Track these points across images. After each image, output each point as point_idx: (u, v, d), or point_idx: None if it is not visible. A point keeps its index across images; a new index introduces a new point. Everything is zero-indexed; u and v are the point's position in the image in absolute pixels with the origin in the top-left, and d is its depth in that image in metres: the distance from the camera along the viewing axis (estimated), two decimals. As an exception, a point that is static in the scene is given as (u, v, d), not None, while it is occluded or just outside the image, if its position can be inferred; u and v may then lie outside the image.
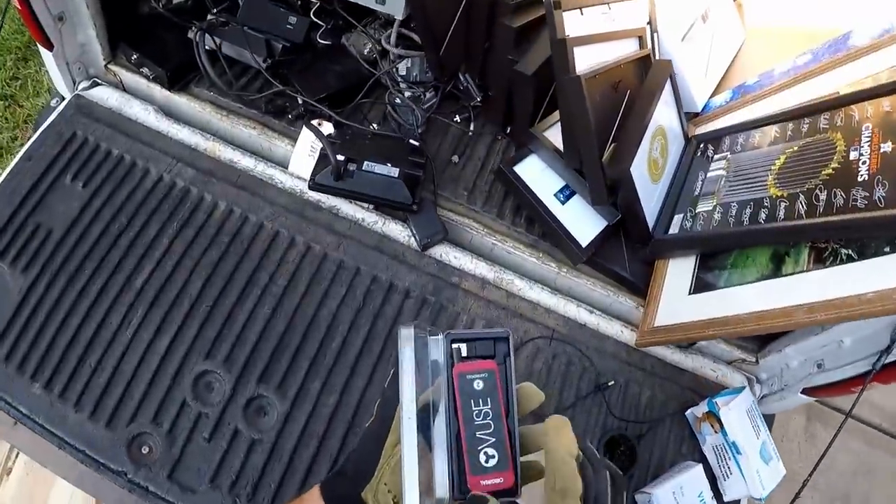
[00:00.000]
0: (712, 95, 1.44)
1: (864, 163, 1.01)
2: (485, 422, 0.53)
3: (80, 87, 1.30)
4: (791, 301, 1.01)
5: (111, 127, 1.25)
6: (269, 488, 1.01)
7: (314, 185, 1.13)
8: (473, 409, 0.53)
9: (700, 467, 1.13)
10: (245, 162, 1.22)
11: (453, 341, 0.52)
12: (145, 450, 1.01)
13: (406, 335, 0.51)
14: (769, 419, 1.21)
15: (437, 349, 0.54)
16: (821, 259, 1.02)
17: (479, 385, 0.53)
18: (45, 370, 1.06)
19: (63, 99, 1.30)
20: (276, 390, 1.06)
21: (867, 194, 0.96)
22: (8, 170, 1.20)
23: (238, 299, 1.11)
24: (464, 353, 0.53)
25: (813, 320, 0.96)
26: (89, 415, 1.03)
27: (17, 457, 1.71)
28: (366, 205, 1.19)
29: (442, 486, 0.52)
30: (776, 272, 1.07)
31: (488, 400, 0.53)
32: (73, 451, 1.03)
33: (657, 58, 1.31)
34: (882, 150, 1.01)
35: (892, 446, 2.63)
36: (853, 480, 2.49)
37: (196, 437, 1.03)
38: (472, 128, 1.28)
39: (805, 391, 1.18)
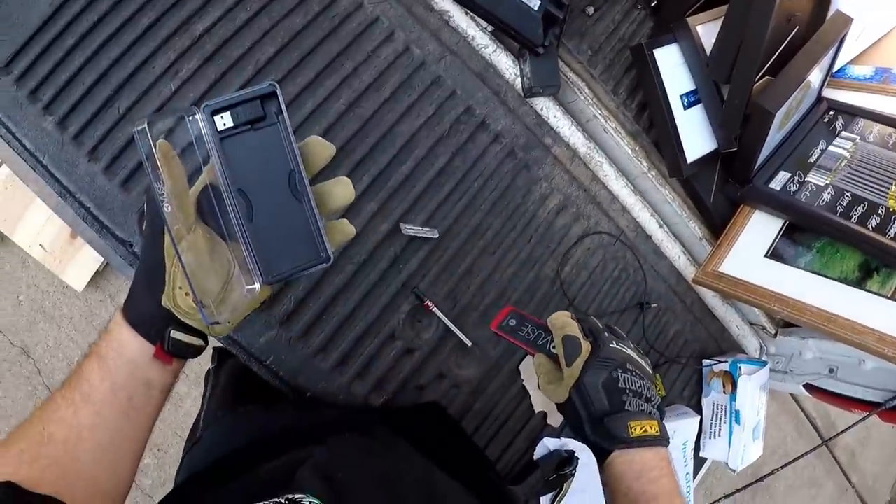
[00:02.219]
0: (852, 61, 1.29)
1: None
2: (273, 191, 0.50)
3: None
4: (865, 320, 0.96)
5: None
6: (289, 303, 0.90)
7: (438, -20, 0.93)
8: (258, 180, 0.50)
9: (698, 420, 1.13)
10: (362, -79, 0.99)
11: (213, 112, 0.48)
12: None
13: (139, 133, 0.47)
14: None
15: (199, 126, 0.49)
16: None
17: (255, 151, 0.50)
18: (63, 104, 0.86)
19: None
20: None
21: None
22: None
23: (311, 82, 0.94)
24: (230, 124, 0.49)
25: (880, 351, 0.92)
26: (104, 168, 0.86)
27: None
28: (482, 23, 1.00)
29: (249, 277, 0.51)
30: (860, 283, 1.02)
31: (270, 166, 0.50)
32: (76, 205, 0.87)
33: (835, 5, 1.14)
34: None
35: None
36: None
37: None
38: (618, -16, 1.09)
39: (807, 386, 1.17)
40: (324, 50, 0.95)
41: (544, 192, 1.03)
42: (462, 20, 1.02)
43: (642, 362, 0.69)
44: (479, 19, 1.02)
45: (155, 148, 0.47)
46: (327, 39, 0.95)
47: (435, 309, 0.94)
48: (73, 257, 1.70)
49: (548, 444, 1.04)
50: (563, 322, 0.68)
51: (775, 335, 1.23)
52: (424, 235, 0.94)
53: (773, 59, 1.04)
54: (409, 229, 0.94)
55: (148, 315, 0.53)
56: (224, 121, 0.49)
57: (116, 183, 0.86)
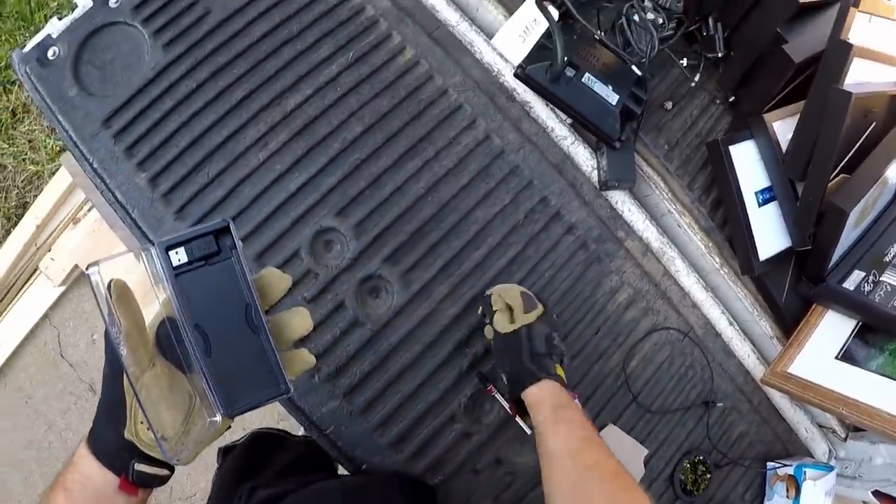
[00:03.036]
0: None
1: None
2: (230, 325, 0.51)
3: None
4: None
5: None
6: (354, 376, 0.92)
7: (523, 76, 0.98)
8: (215, 314, 0.50)
9: None
10: (448, 14, 1.06)
11: (168, 248, 0.49)
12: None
13: (92, 274, 0.48)
14: None
15: (155, 262, 0.50)
16: None
17: (210, 285, 0.50)
18: (157, 163, 0.93)
19: None
20: (400, 277, 0.96)
21: None
22: None
23: (394, 163, 0.98)
24: (184, 259, 0.49)
25: None
26: (191, 225, 0.91)
27: (89, 210, 1.61)
28: (561, 115, 1.02)
29: (210, 409, 0.51)
30: None
31: (227, 300, 0.51)
32: (132, 225, 0.93)
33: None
34: None
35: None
36: None
37: (298, 293, 0.93)
38: (696, 79, 1.10)
39: (876, 493, 1.10)
40: (408, 133, 0.99)
41: (615, 286, 1.02)
42: (542, 111, 1.04)
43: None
44: (558, 111, 1.03)
45: (109, 289, 0.48)
46: (412, 123, 0.99)
47: (497, 395, 0.94)
48: (151, 303, 1.73)
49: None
50: (519, 289, 0.90)
51: (845, 439, 1.18)
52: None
53: (849, 156, 1.02)
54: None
55: (112, 447, 0.53)
56: (178, 256, 0.50)
57: None
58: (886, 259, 1.10)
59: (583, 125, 1.01)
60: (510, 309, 0.86)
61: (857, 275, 1.09)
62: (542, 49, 0.99)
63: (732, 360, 1.10)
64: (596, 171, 1.04)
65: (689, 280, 1.08)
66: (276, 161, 0.95)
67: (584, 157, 1.05)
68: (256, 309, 0.51)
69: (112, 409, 0.52)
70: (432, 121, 0.99)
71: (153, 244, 0.50)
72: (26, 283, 1.79)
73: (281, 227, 0.93)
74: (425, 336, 0.93)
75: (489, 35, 1.06)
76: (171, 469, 0.56)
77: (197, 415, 0.51)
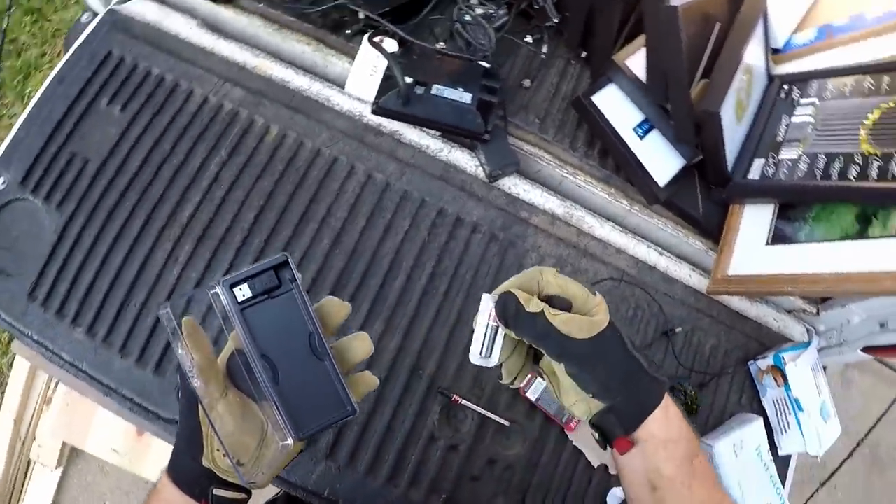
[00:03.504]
0: (794, 32, 1.29)
1: None
2: (296, 353, 0.54)
3: (114, 0, 1.17)
4: (878, 266, 0.95)
5: (150, 44, 1.13)
6: (328, 435, 0.96)
7: (379, 110, 1.02)
8: (281, 344, 0.54)
9: (760, 421, 1.09)
10: (299, 81, 1.11)
11: (232, 286, 0.52)
12: (197, 395, 0.93)
13: (163, 316, 0.52)
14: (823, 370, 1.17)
15: (221, 300, 0.53)
16: None
17: (275, 317, 0.54)
18: (87, 314, 0.98)
19: (95, 14, 1.17)
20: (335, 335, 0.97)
21: None
22: (38, 95, 1.09)
23: (294, 233, 1.03)
24: (248, 294, 0.52)
25: None
26: (136, 360, 0.97)
27: (56, 386, 1.66)
28: (430, 131, 1.07)
29: (281, 434, 0.53)
30: (862, 233, 1.00)
31: (291, 330, 0.54)
32: (121, 399, 0.97)
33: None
34: None
35: (929, 400, 2.59)
36: (884, 429, 2.47)
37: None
38: (544, 50, 1.16)
39: (866, 349, 1.13)
40: (297, 202, 1.04)
41: (535, 262, 1.06)
42: (412, 134, 1.10)
43: None
44: (426, 129, 1.08)
45: (180, 326, 0.53)
46: (297, 192, 1.04)
47: (464, 401, 0.98)
48: (146, 451, 1.76)
49: (618, 494, 1.03)
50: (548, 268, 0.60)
51: (817, 313, 1.20)
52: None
53: (704, 61, 1.06)
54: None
55: (191, 475, 0.56)
56: (243, 292, 0.53)
57: (150, 371, 0.96)
58: (779, 139, 1.14)
59: (450, 132, 1.06)
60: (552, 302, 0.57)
61: (758, 163, 1.13)
62: (388, 80, 1.04)
63: (675, 284, 1.13)
64: (480, 168, 1.08)
65: (604, 230, 1.12)
66: (190, 271, 1.00)
67: (464, 160, 1.09)
68: (320, 336, 0.54)
69: (190, 438, 0.56)
70: (315, 182, 1.05)
71: (219, 283, 0.53)
72: (25, 477, 1.82)
73: (215, 327, 0.97)
74: (379, 374, 0.97)
75: (343, 85, 1.11)
76: (248, 493, 0.60)
77: (269, 439, 0.54)
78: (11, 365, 1.84)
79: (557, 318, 0.53)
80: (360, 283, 1.01)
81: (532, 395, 0.99)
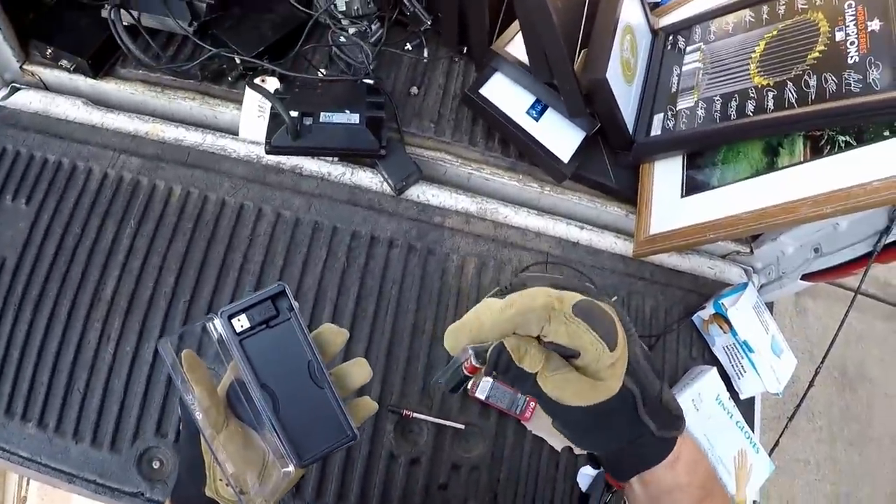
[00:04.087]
0: (670, -18, 1.31)
1: (852, 43, 0.94)
2: (295, 381, 0.54)
3: None
4: (792, 195, 0.95)
5: (41, 132, 1.12)
6: None
7: (272, 149, 1.03)
8: (280, 372, 0.54)
9: (714, 370, 1.10)
10: (192, 137, 1.11)
11: (230, 317, 0.52)
12: (156, 464, 0.95)
13: (162, 348, 0.53)
14: (769, 307, 1.19)
15: (220, 331, 0.53)
16: (818, 149, 0.97)
17: (273, 346, 0.54)
18: (34, 408, 0.97)
19: (-18, 114, 1.16)
20: None
21: (860, 77, 0.90)
22: None
23: (216, 287, 1.03)
24: (247, 325, 0.53)
25: (819, 214, 0.91)
26: (90, 442, 0.96)
27: (28, 484, 1.64)
28: (329, 158, 1.08)
29: (283, 461, 0.54)
30: (771, 166, 1.01)
31: (289, 358, 0.54)
32: (84, 483, 0.96)
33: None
34: (870, 29, 0.93)
35: (881, 311, 2.65)
36: (846, 349, 2.52)
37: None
38: (426, 54, 1.17)
39: (805, 276, 1.14)
40: (212, 255, 1.04)
41: (458, 264, 1.07)
42: (312, 165, 1.10)
43: None
44: (323, 157, 1.09)
45: (181, 359, 0.53)
46: (211, 245, 1.04)
47: (415, 414, 0.98)
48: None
49: (587, 473, 1.04)
50: (563, 296, 0.43)
51: (751, 251, 1.22)
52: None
53: (581, 32, 1.07)
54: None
55: (193, 501, 0.56)
56: (241, 323, 0.53)
57: (106, 450, 0.95)
58: (673, 90, 1.16)
59: (347, 155, 1.07)
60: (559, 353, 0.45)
61: (658, 118, 1.15)
62: (276, 117, 1.04)
63: (602, 255, 1.14)
64: (384, 183, 1.09)
65: (520, 218, 1.12)
66: (125, 345, 0.99)
67: (368, 179, 1.10)
68: (319, 364, 0.54)
69: (192, 468, 0.56)
70: (226, 232, 1.04)
71: (217, 314, 0.53)
72: None
73: (160, 394, 0.96)
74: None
75: (236, 132, 1.12)
76: None
77: (272, 467, 0.55)
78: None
79: (549, 382, 0.43)
80: (288, 322, 1.01)
81: (481, 394, 1.00)
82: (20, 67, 1.17)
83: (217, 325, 0.54)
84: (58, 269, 1.03)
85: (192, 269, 1.03)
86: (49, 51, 1.14)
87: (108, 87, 1.16)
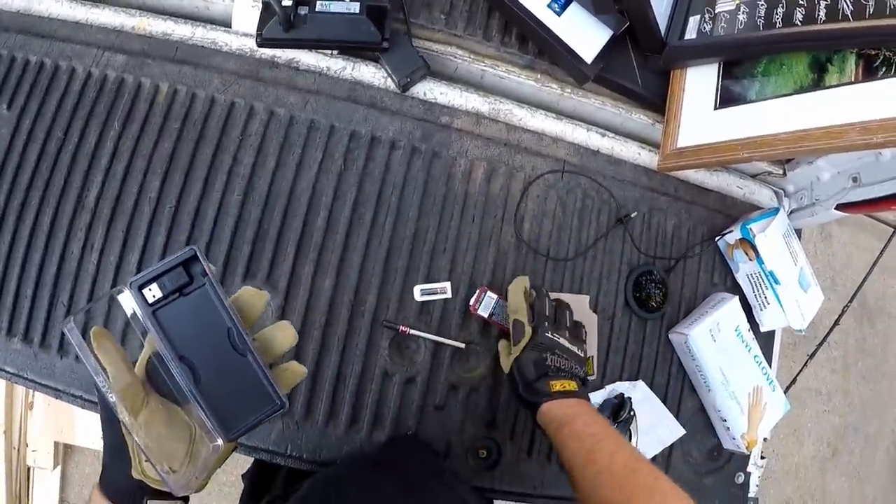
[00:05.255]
0: None
1: None
2: (215, 351, 0.51)
3: (-21, 0, 1.08)
4: (839, 119, 0.86)
5: (22, 32, 1.03)
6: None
7: (263, 42, 0.94)
8: (198, 343, 0.51)
9: (736, 300, 1.01)
10: (181, 31, 1.02)
11: (140, 287, 0.49)
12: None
13: (68, 330, 0.49)
14: (797, 234, 1.09)
15: (132, 302, 0.50)
16: (871, 69, 0.86)
17: (189, 315, 0.50)
18: (19, 322, 0.93)
19: (-40, 16, 1.08)
20: (265, 284, 0.93)
21: None
22: None
23: (203, 191, 0.96)
24: (159, 294, 0.49)
25: (868, 143, 0.82)
26: (76, 357, 0.92)
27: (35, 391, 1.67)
28: (329, 51, 0.98)
29: (210, 435, 0.52)
30: (818, 84, 0.91)
31: (207, 327, 0.51)
32: (71, 399, 0.92)
33: None
34: None
35: (908, 244, 2.54)
36: (869, 280, 2.42)
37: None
38: (437, -58, 1.04)
39: (839, 206, 1.04)
40: (201, 157, 0.96)
41: (465, 169, 0.98)
42: (310, 59, 1.00)
43: (573, 349, 0.84)
44: (321, 50, 0.99)
45: (88, 338, 0.49)
46: (199, 147, 0.96)
47: (412, 331, 0.91)
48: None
49: (594, 399, 0.98)
50: (515, 306, 0.86)
51: (784, 174, 1.11)
52: (440, 296, 0.94)
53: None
54: (425, 292, 0.94)
55: (123, 488, 0.54)
56: (153, 293, 0.50)
57: None
58: (711, -11, 1.04)
59: (346, 48, 0.97)
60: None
61: (694, 20, 1.03)
62: (268, 7, 0.94)
63: (624, 166, 1.04)
64: (389, 80, 0.99)
65: (536, 121, 1.02)
66: (109, 255, 0.93)
67: (370, 74, 1.00)
68: (239, 331, 0.51)
69: (115, 451, 0.54)
70: (215, 131, 0.96)
71: (126, 286, 0.50)
72: (29, 485, 1.84)
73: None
74: (318, 318, 0.91)
75: (229, 24, 1.02)
76: (186, 500, 0.58)
77: (200, 443, 0.52)
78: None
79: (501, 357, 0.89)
80: (280, 227, 0.93)
81: (484, 311, 0.92)
82: (-3, -37, 1.08)
83: (127, 298, 0.49)
84: (40, 177, 0.97)
85: (179, 173, 0.95)
86: (26, -59, 1.05)
87: (94, -22, 1.07)
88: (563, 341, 0.84)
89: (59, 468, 1.86)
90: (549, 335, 0.82)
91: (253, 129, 0.97)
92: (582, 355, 0.86)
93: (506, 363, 0.84)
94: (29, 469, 1.83)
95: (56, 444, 1.82)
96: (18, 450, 1.78)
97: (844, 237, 2.52)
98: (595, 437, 0.69)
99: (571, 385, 0.78)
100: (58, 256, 0.94)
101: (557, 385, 0.77)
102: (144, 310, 0.49)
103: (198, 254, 0.50)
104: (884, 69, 0.84)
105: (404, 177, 0.96)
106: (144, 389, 0.51)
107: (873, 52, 0.86)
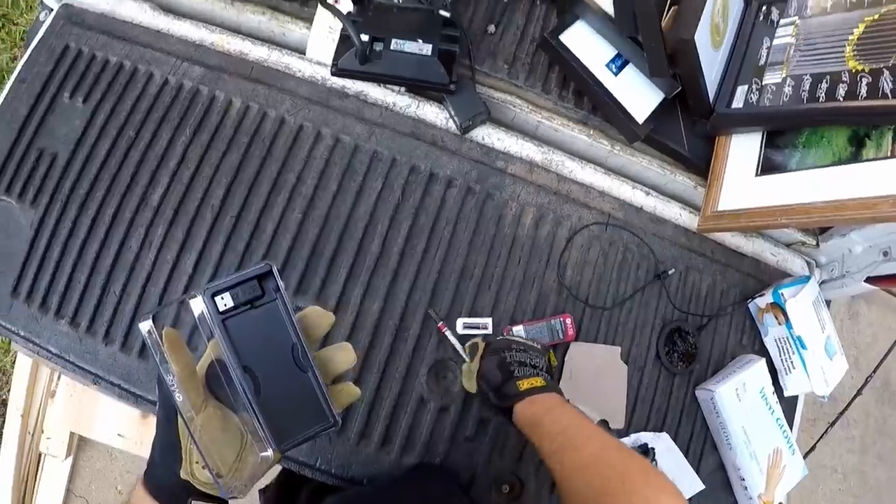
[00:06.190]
0: (769, -51, 1.24)
1: None
2: (277, 364, 0.52)
3: (68, -6, 1.15)
4: (874, 191, 0.90)
5: (105, 33, 1.10)
6: None
7: (338, 71, 1.00)
8: (262, 355, 0.52)
9: (763, 362, 1.06)
10: (257, 52, 1.08)
11: (213, 295, 0.50)
12: (181, 377, 0.92)
13: (144, 327, 0.50)
14: (827, 305, 1.13)
15: (202, 307, 0.51)
16: None
17: (257, 327, 0.52)
18: (69, 305, 0.98)
19: (51, 10, 1.15)
20: (316, 301, 0.98)
21: None
22: (2, 98, 1.08)
23: (265, 205, 1.01)
24: (230, 304, 0.51)
25: None
26: (120, 346, 0.96)
27: (59, 378, 1.69)
28: (397, 87, 1.05)
29: (262, 445, 0.53)
30: (856, 156, 0.96)
31: (273, 340, 0.52)
32: (109, 386, 0.97)
33: None
34: None
35: (935, 326, 2.55)
36: (892, 360, 2.43)
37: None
38: (508, -8, 1.11)
39: (869, 279, 1.09)
40: (266, 173, 1.02)
41: (516, 213, 1.03)
42: (377, 93, 1.06)
43: (527, 342, 0.86)
44: (391, 86, 1.06)
45: (162, 337, 0.51)
46: (266, 163, 1.02)
47: (447, 331, 0.97)
48: (151, 433, 1.75)
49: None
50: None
51: (817, 244, 1.16)
52: (482, 332, 0.99)
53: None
54: (468, 325, 0.99)
55: (168, 486, 0.56)
56: (225, 301, 0.51)
57: (134, 356, 0.96)
58: (761, 63, 1.10)
59: (415, 87, 1.03)
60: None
61: (742, 90, 1.09)
62: (346, 40, 1.01)
63: (665, 225, 1.10)
64: (451, 121, 1.05)
65: (585, 174, 1.08)
66: (166, 254, 0.99)
67: (433, 114, 1.06)
68: (303, 348, 0.53)
69: (167, 450, 0.55)
70: (282, 151, 1.02)
71: (200, 291, 0.51)
72: (38, 470, 1.86)
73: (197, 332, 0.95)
74: (362, 338, 0.96)
75: (303, 51, 1.09)
76: (226, 502, 0.59)
77: (249, 451, 0.54)
78: (14, 363, 1.88)
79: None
80: (336, 249, 0.98)
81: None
82: (90, -36, 1.15)
83: (198, 303, 0.51)
84: (107, 171, 1.03)
85: (243, 185, 1.01)
86: (122, -49, 1.12)
87: (178, -7, 1.15)
88: (515, 338, 0.87)
89: (70, 458, 1.88)
90: (502, 336, 0.89)
91: (318, 153, 1.03)
92: (539, 347, 0.87)
93: (470, 382, 0.87)
94: (41, 455, 1.85)
95: (71, 434, 1.84)
96: (33, 435, 1.80)
97: (872, 316, 2.53)
98: (565, 434, 0.69)
99: (539, 381, 0.79)
100: (116, 248, 0.99)
101: (525, 384, 0.78)
102: (215, 317, 0.51)
103: (273, 269, 0.52)
104: (920, 144, 0.90)
105: (458, 214, 1.02)
106: (204, 393, 0.54)
107: (911, 128, 0.92)
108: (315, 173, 1.01)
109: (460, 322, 0.98)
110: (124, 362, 0.96)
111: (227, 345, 0.51)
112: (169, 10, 1.13)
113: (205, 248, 0.99)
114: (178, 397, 0.51)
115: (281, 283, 0.53)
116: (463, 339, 0.97)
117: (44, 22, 1.14)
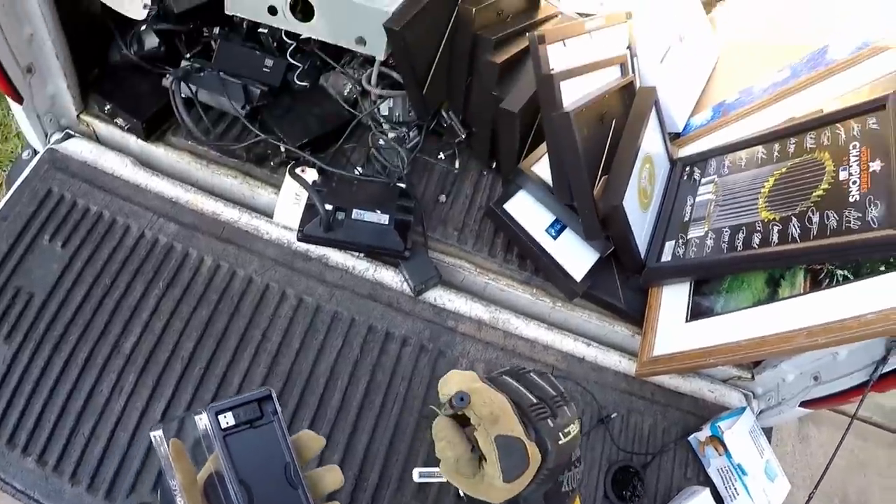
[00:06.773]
0: (692, 115, 1.41)
1: (854, 182, 1.01)
2: (271, 480, 0.54)
3: (53, 139, 1.25)
4: (790, 325, 1.00)
5: (87, 182, 1.20)
6: None
7: (303, 237, 1.10)
8: (258, 470, 0.55)
9: (707, 491, 1.13)
10: (229, 213, 1.18)
11: (217, 413, 0.54)
12: (148, 520, 0.97)
13: (154, 435, 0.52)
14: (768, 432, 1.23)
15: (206, 423, 0.55)
16: (817, 281, 1.03)
17: (254, 445, 0.55)
18: (37, 443, 1.01)
19: (35, 152, 1.25)
20: None
21: (860, 215, 0.96)
22: None
23: (232, 359, 1.09)
24: (232, 422, 0.54)
25: (813, 344, 0.96)
26: (87, 487, 0.99)
27: None
28: (357, 252, 1.15)
29: None
30: (773, 296, 1.07)
31: (268, 458, 0.55)
32: None
33: (639, 83, 1.28)
34: (871, 169, 1.01)
35: (884, 439, 2.65)
36: (849, 476, 2.51)
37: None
38: (457, 165, 1.27)
39: (803, 403, 1.18)
40: (233, 329, 1.10)
41: (466, 368, 1.13)
42: (338, 257, 1.17)
43: (578, 440, 0.56)
44: (351, 252, 1.17)
45: (168, 446, 0.55)
46: (233, 319, 1.11)
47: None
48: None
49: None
50: (487, 409, 0.50)
51: (752, 377, 1.27)
52: (437, 479, 1.02)
53: (603, 158, 1.15)
54: (424, 475, 1.03)
55: None
56: (227, 420, 0.55)
57: (101, 497, 0.98)
58: (686, 219, 1.23)
59: (373, 253, 1.14)
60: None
61: (669, 245, 1.22)
62: (311, 208, 1.12)
63: (606, 372, 1.20)
64: (405, 283, 1.16)
65: (530, 330, 1.19)
66: (136, 400, 1.04)
67: (389, 277, 1.17)
68: (295, 467, 0.56)
69: None
70: (249, 309, 1.11)
71: (205, 409, 0.55)
72: None
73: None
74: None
75: (271, 214, 1.20)
76: None
77: None
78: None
79: (458, 479, 0.55)
80: (298, 403, 1.06)
81: None
82: (77, 116, 1.26)
83: (203, 419, 0.57)
84: (82, 316, 1.09)
85: (212, 339, 1.09)
86: (107, 107, 1.23)
87: (157, 151, 1.25)
88: (575, 430, 0.54)
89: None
90: (564, 441, 0.52)
91: (283, 312, 1.12)
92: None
93: (483, 491, 0.53)
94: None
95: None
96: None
97: (822, 438, 2.59)
98: None
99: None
100: (87, 391, 1.03)
101: None
102: (217, 433, 0.55)
103: (272, 395, 0.57)
104: (827, 280, 1.00)
105: (412, 370, 1.11)
106: (201, 501, 0.57)
107: (818, 267, 1.02)
108: (280, 331, 1.10)
109: (416, 471, 1.04)
110: (90, 503, 0.98)
111: (226, 459, 0.55)
112: (148, 166, 1.24)
113: (174, 398, 1.05)
114: (179, 501, 0.55)
115: (279, 408, 0.57)
116: (421, 486, 1.04)
117: (28, 162, 1.22)
